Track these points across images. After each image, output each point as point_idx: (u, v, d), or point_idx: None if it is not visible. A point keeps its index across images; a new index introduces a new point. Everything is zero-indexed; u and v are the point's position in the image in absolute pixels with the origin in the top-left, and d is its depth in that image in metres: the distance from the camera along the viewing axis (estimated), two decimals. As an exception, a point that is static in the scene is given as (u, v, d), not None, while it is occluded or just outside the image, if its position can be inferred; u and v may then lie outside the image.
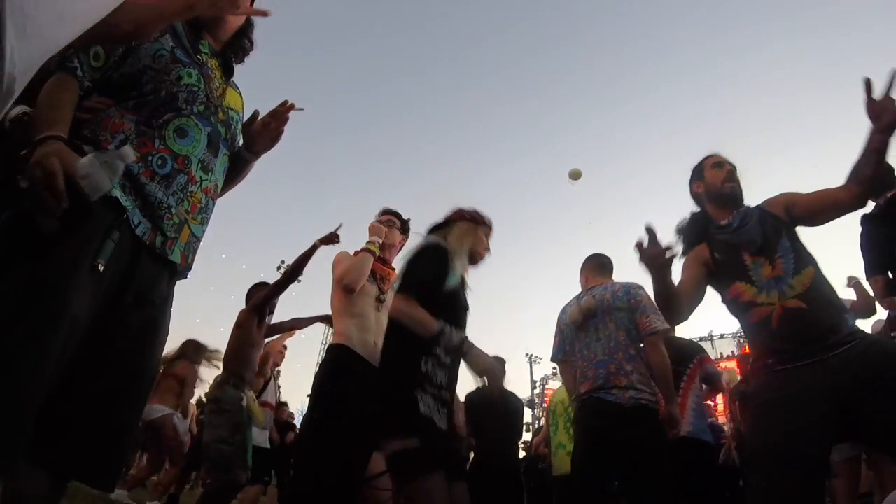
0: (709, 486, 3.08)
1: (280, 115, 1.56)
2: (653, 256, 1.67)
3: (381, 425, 1.76)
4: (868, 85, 1.64)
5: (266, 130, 1.55)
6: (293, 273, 3.34)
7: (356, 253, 2.59)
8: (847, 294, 3.23)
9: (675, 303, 1.80)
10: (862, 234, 2.96)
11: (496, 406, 4.09)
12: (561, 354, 2.83)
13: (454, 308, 1.90)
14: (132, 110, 1.27)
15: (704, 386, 3.70)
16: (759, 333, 1.68)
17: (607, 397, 2.45)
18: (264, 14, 1.41)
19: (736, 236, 1.80)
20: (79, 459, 1.12)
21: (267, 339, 4.63)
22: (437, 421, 1.75)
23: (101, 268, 1.10)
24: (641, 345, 2.58)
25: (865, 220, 2.93)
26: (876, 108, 1.63)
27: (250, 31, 1.58)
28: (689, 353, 3.42)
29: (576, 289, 3.02)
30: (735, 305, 1.76)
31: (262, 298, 3.41)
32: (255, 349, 3.40)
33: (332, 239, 3.08)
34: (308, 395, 2.35)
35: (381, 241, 2.57)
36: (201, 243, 1.41)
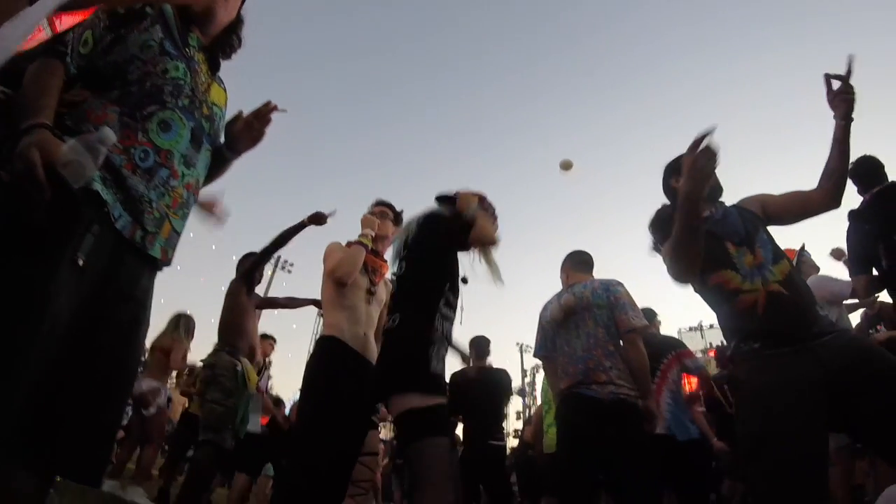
0: (685, 482, 3.14)
1: (263, 115, 1.55)
2: (701, 160, 1.56)
3: (393, 381, 1.75)
4: (828, 78, 1.71)
5: (248, 130, 1.55)
6: (278, 242, 3.38)
7: (349, 244, 2.58)
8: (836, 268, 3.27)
9: (698, 246, 1.71)
10: (848, 231, 2.95)
11: (475, 383, 4.16)
12: (543, 351, 2.87)
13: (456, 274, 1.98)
14: (115, 101, 1.25)
15: (694, 379, 3.74)
16: (744, 320, 1.67)
17: (587, 393, 2.49)
18: None
19: (719, 226, 1.81)
20: (64, 455, 1.11)
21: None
22: (442, 382, 1.80)
23: (80, 262, 1.09)
24: (620, 342, 2.62)
25: (851, 216, 2.92)
26: (833, 97, 1.70)
27: (240, 28, 1.57)
28: (664, 349, 3.43)
29: None
30: (720, 293, 1.74)
31: (249, 267, 3.50)
32: (246, 317, 3.47)
33: (320, 219, 3.13)
34: (300, 388, 2.36)
35: (373, 234, 2.56)
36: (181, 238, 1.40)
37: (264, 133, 1.57)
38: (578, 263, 2.99)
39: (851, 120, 1.68)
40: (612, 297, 2.65)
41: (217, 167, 1.54)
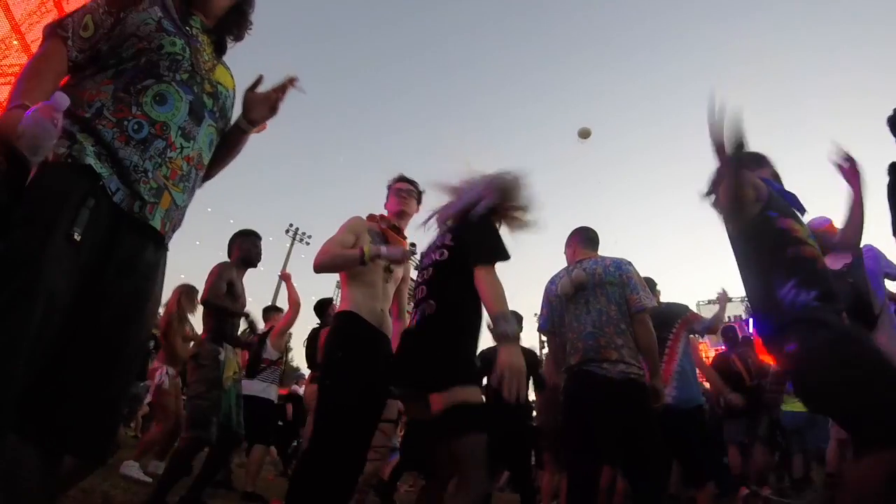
0: (694, 449, 3.19)
1: (283, 88, 1.55)
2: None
3: (439, 373, 1.87)
4: (835, 162, 2.23)
5: (266, 100, 1.54)
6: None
7: (370, 217, 2.57)
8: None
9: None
10: (889, 186, 2.77)
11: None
12: (548, 325, 2.86)
13: None
14: (111, 78, 1.26)
15: (711, 338, 3.79)
16: (805, 268, 1.82)
17: (597, 370, 2.49)
18: None
19: (787, 195, 2.06)
20: (69, 433, 1.12)
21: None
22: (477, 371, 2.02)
23: (77, 237, 1.08)
24: (629, 320, 2.63)
25: (892, 169, 2.76)
26: (846, 173, 2.25)
27: (247, 8, 1.55)
28: (672, 317, 3.49)
29: None
30: (784, 237, 1.87)
31: (214, 307, 3.28)
32: (230, 304, 3.37)
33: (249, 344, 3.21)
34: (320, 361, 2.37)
35: (382, 259, 2.38)
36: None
37: (281, 103, 1.55)
38: (585, 240, 2.96)
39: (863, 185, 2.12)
40: (624, 276, 2.65)
41: (233, 143, 1.55)
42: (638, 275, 2.69)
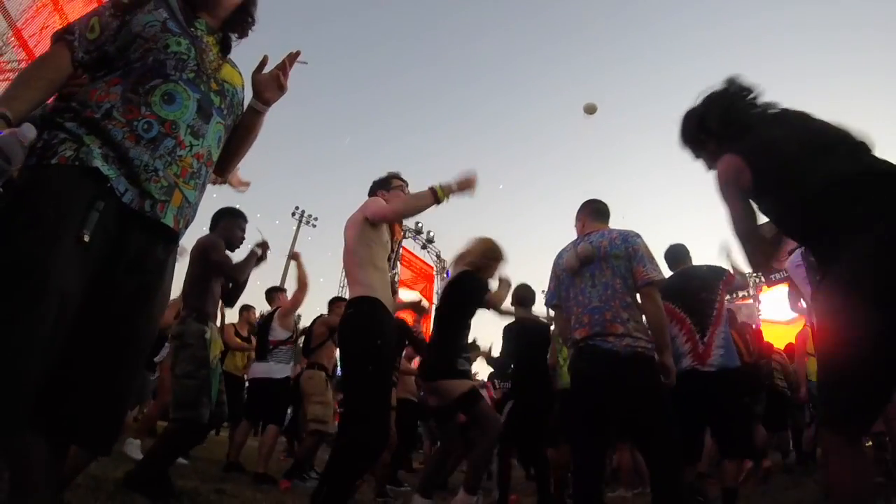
0: (739, 416, 3.17)
1: (285, 65, 1.58)
2: None
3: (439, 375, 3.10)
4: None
5: (274, 80, 1.57)
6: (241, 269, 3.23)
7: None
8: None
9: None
10: None
11: (523, 333, 4.18)
12: (555, 300, 2.83)
13: None
14: (119, 79, 1.28)
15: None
16: None
17: (604, 345, 2.46)
18: None
19: None
20: (76, 424, 1.15)
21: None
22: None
23: (86, 238, 1.11)
24: (637, 294, 2.59)
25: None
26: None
27: (252, 7, 1.58)
28: (715, 278, 3.41)
29: None
30: None
31: (214, 263, 3.17)
32: (215, 281, 3.23)
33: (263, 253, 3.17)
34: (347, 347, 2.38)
35: (454, 194, 2.39)
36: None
37: (286, 83, 1.59)
38: (595, 212, 2.91)
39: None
40: (631, 248, 2.59)
41: (249, 126, 1.58)
42: (646, 247, 2.62)
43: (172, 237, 1.34)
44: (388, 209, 2.44)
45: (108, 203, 1.16)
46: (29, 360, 1.03)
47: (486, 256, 3.40)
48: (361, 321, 2.29)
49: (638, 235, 2.66)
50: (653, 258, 2.59)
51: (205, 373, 2.94)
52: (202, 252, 3.10)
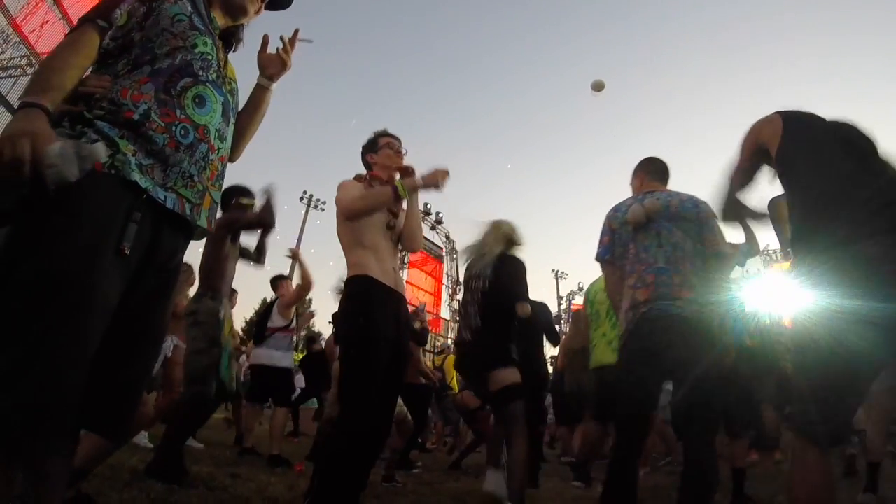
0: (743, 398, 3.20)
1: (286, 44, 1.60)
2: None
3: (487, 363, 2.88)
4: None
5: (278, 59, 1.58)
6: (261, 222, 3.27)
7: (363, 179, 2.49)
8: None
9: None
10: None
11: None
12: (608, 255, 2.59)
13: None
14: (148, 76, 1.24)
15: None
16: None
17: (671, 309, 2.27)
18: None
19: None
20: (90, 413, 1.15)
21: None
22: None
23: (126, 251, 1.11)
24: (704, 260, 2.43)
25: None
26: None
27: (241, 30, 1.58)
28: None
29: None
30: None
31: (233, 223, 3.30)
32: (229, 261, 3.34)
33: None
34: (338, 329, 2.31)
35: (419, 189, 2.39)
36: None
37: (289, 61, 1.61)
38: (656, 171, 2.69)
39: None
40: (703, 214, 2.43)
41: (256, 102, 1.58)
42: (715, 215, 2.42)
43: (202, 235, 1.38)
44: (346, 205, 2.31)
45: (144, 213, 1.17)
46: (76, 370, 1.04)
47: (512, 242, 3.22)
48: (347, 305, 2.26)
49: (706, 203, 2.47)
50: (721, 229, 2.44)
51: (216, 351, 3.06)
52: (222, 226, 3.19)
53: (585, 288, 4.74)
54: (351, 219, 2.29)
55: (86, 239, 1.07)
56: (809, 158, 1.66)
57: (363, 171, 2.59)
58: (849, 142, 1.65)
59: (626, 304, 2.41)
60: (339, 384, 2.24)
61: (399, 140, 2.60)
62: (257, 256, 3.63)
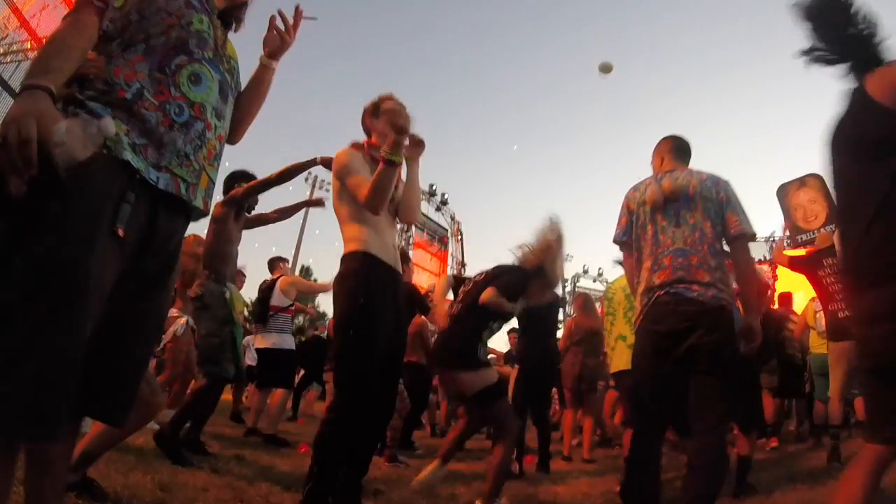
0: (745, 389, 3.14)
1: (291, 21, 1.59)
2: None
3: (451, 362, 2.70)
4: None
5: (280, 36, 1.58)
6: (284, 176, 3.21)
7: (360, 146, 2.32)
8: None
9: None
10: None
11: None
12: (626, 237, 2.50)
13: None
14: (142, 55, 1.23)
15: None
16: None
17: (688, 293, 2.17)
18: None
19: None
20: (91, 397, 1.15)
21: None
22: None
23: (121, 233, 1.11)
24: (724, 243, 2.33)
25: None
26: None
27: (244, 9, 1.56)
28: None
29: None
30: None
31: (241, 193, 3.29)
32: (232, 244, 3.34)
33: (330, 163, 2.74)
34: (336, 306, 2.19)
35: (405, 143, 2.14)
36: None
37: (293, 38, 1.61)
38: (677, 149, 2.57)
39: None
40: (724, 194, 2.30)
41: (259, 79, 1.57)
42: (737, 196, 2.33)
43: (201, 215, 1.37)
44: (365, 204, 2.14)
45: (138, 194, 1.15)
46: (70, 359, 1.04)
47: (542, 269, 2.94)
48: (344, 280, 2.17)
49: (729, 183, 2.36)
50: (744, 210, 2.31)
51: (227, 330, 3.13)
52: (215, 221, 3.21)
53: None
54: (375, 211, 2.15)
55: (79, 222, 1.06)
56: None
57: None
58: None
59: (643, 286, 2.33)
60: (334, 365, 2.17)
61: (403, 106, 2.30)
62: (283, 213, 3.70)
